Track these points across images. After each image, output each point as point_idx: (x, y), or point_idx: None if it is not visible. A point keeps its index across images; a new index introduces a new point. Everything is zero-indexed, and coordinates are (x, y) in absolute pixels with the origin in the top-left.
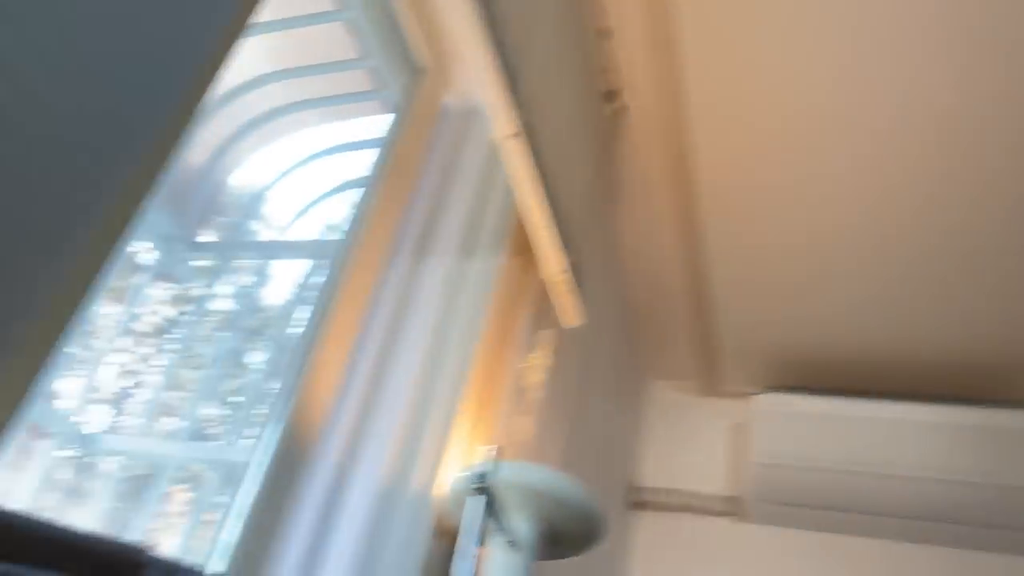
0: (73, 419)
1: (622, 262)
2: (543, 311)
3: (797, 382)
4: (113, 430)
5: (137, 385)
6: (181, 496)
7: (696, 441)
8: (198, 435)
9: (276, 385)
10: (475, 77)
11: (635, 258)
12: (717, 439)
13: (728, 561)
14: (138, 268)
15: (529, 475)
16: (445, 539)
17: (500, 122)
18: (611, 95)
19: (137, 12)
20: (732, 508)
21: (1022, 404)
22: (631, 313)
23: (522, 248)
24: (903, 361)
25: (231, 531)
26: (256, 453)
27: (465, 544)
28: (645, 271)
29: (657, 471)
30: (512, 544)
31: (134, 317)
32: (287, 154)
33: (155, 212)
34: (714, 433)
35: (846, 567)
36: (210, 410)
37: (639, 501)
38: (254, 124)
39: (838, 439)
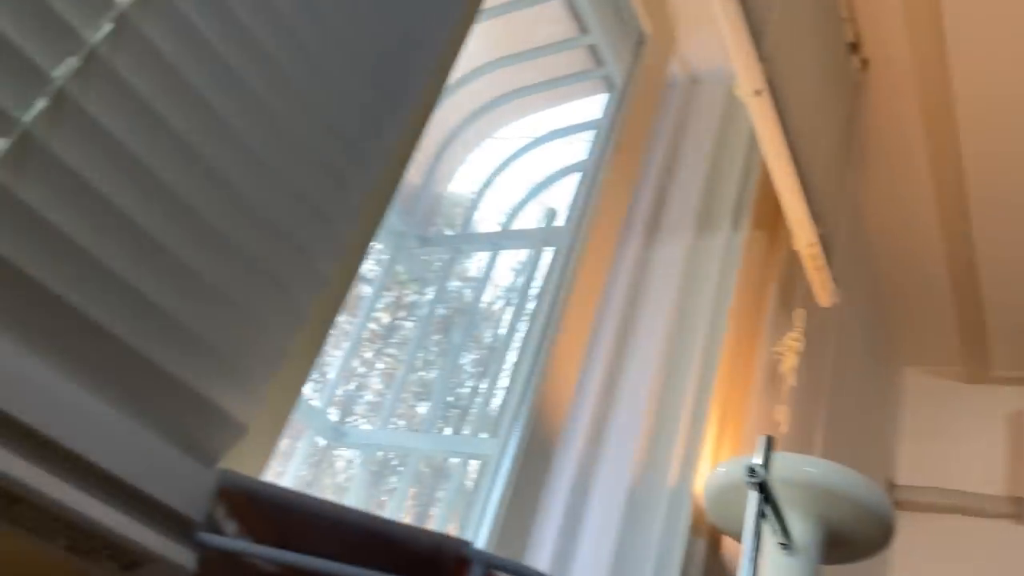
0: (327, 416)
1: (871, 234)
2: (789, 290)
3: None
4: (356, 426)
5: (360, 387)
6: (414, 492)
7: (963, 434)
8: (432, 431)
9: (501, 382)
10: (719, 24)
11: (885, 229)
12: (990, 431)
13: (1005, 569)
14: (362, 279)
15: (809, 469)
16: (703, 537)
17: (744, 77)
18: (854, 47)
19: (383, 15)
20: (1011, 510)
21: None
22: (882, 291)
23: (763, 221)
24: None
25: (480, 531)
26: (504, 448)
27: (747, 545)
28: (897, 243)
29: (917, 468)
30: (786, 547)
31: (363, 326)
32: (508, 143)
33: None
34: (986, 424)
35: None
36: (437, 410)
37: (897, 500)
38: (473, 117)
39: None
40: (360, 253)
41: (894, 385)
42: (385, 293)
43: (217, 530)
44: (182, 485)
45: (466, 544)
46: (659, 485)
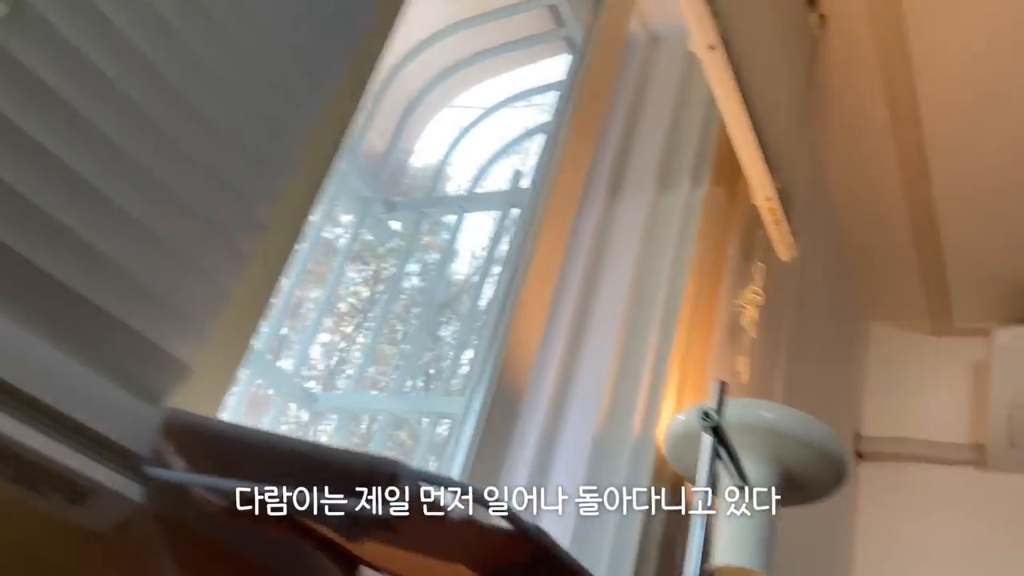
0: (299, 383)
1: (833, 190)
2: (750, 245)
3: None
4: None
5: (340, 361)
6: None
7: (927, 385)
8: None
9: (471, 350)
10: None
11: (847, 186)
12: (952, 382)
13: (968, 513)
14: (336, 251)
15: (764, 413)
16: (665, 484)
17: (698, 33)
18: (812, 3)
19: None
20: (972, 456)
21: None
22: (845, 246)
23: (723, 177)
24: None
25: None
26: (468, 406)
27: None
28: (859, 199)
29: (883, 419)
30: (742, 490)
31: (336, 298)
32: (471, 107)
33: (351, 177)
34: (948, 375)
35: None
36: (408, 374)
37: (863, 451)
38: (435, 81)
39: None
40: (305, 202)
41: (861, 339)
42: (364, 267)
43: (164, 465)
44: (127, 421)
45: (397, 463)
46: (623, 436)
